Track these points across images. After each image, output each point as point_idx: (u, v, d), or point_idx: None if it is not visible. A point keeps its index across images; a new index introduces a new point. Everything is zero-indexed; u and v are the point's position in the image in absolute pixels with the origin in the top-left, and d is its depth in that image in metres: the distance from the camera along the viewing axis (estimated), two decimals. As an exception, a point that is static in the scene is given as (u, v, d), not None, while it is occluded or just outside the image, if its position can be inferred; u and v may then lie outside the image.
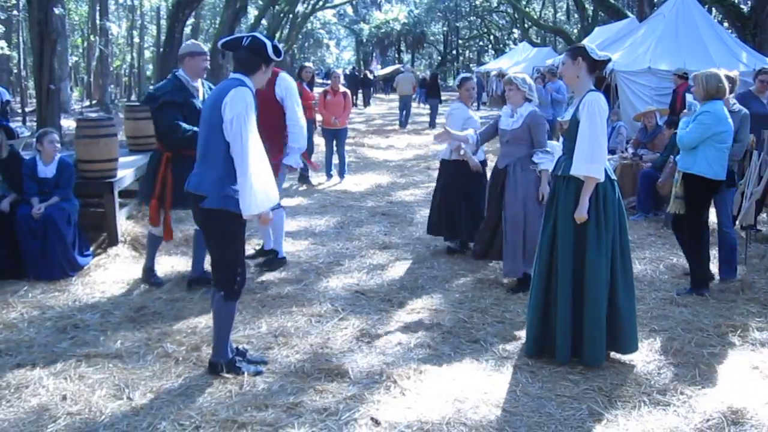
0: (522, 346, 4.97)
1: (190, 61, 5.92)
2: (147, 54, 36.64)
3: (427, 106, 23.42)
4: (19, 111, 21.63)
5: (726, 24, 25.35)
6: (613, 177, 4.71)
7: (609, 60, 4.77)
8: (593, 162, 4.51)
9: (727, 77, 6.03)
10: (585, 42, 5.06)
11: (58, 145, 6.83)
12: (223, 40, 4.50)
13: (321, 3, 44.49)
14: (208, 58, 6.05)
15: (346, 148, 12.83)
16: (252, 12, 35.52)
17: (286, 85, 6.57)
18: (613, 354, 4.81)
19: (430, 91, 22.39)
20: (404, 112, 22.17)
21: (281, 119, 6.53)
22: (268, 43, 4.34)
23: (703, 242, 6.19)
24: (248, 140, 4.13)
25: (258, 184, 4.12)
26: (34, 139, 7.56)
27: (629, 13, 23.79)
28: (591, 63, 4.64)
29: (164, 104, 5.83)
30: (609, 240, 4.59)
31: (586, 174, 4.53)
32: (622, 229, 4.68)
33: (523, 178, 6.10)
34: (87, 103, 29.35)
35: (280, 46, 4.45)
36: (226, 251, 4.36)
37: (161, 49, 23.33)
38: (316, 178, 12.08)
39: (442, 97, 24.32)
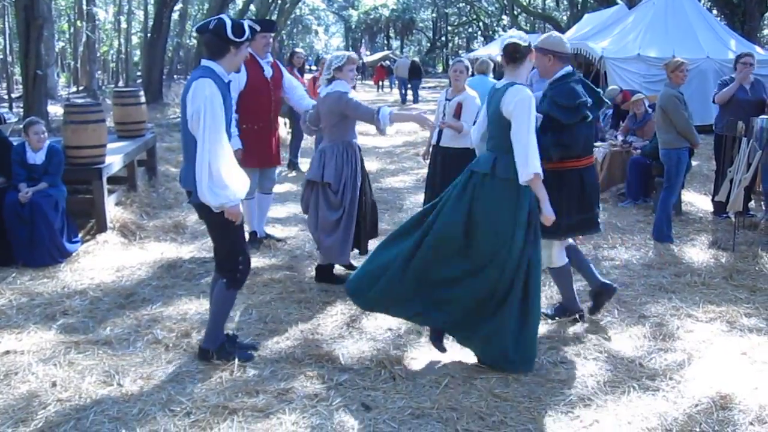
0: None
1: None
2: (134, 40, 36.36)
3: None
4: (6, 97, 21.45)
5: (715, 11, 25.41)
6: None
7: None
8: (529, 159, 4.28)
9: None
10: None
11: (44, 135, 6.74)
12: (198, 24, 4.36)
13: (310, -11, 44.23)
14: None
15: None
16: (240, -3, 35.23)
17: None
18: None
19: (413, 74, 27.46)
20: (403, 90, 28.01)
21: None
22: (228, 24, 4.11)
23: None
24: (207, 135, 3.96)
25: (217, 176, 4.00)
26: (21, 126, 7.49)
27: (618, 0, 23.76)
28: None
29: None
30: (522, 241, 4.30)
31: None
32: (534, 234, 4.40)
33: None
34: (74, 89, 29.09)
35: (247, 24, 4.17)
36: (225, 241, 4.34)
37: (149, 35, 23.15)
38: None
39: (431, 84, 29.93)
